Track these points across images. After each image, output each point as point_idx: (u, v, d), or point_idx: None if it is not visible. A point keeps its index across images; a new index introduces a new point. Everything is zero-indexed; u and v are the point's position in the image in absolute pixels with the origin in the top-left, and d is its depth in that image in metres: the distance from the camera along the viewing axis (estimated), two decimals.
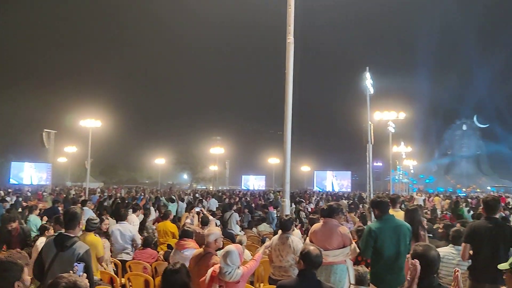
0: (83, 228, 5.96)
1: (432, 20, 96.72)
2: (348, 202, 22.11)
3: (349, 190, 67.33)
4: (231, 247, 4.42)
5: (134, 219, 9.64)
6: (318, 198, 27.38)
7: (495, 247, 4.65)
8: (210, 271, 4.32)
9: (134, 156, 71.20)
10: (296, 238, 5.79)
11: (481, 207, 5.25)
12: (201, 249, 5.08)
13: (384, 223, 5.06)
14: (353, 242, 5.45)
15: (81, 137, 32.94)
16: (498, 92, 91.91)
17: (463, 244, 4.92)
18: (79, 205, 11.50)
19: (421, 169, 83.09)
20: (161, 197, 22.70)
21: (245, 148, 73.16)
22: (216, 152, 50.87)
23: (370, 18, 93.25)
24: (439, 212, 18.74)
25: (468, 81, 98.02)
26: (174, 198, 18.32)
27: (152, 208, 13.65)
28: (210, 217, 9.09)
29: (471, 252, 4.83)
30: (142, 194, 27.91)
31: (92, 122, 26.45)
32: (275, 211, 15.29)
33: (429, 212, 17.35)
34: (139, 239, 7.78)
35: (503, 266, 3.25)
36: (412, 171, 64.19)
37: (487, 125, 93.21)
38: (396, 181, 51.97)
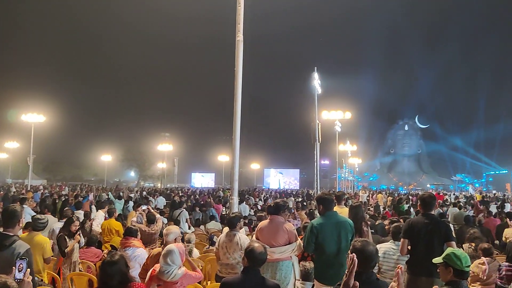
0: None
1: (378, 23, 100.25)
2: (296, 199, 22.50)
3: (297, 187, 68.54)
4: (172, 246, 4.39)
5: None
6: (267, 196, 27.62)
7: (431, 242, 4.80)
8: (150, 270, 4.28)
9: (79, 153, 68.65)
10: (243, 235, 5.82)
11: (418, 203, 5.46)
12: (160, 249, 4.99)
13: (327, 219, 5.14)
14: (299, 239, 5.55)
15: (23, 132, 31.49)
16: (438, 95, 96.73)
17: (401, 239, 5.07)
18: (18, 203, 10.97)
19: (365, 167, 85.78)
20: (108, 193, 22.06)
21: (194, 145, 72.53)
22: (165, 149, 50.13)
23: (319, 19, 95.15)
24: (381, 208, 19.47)
25: (411, 83, 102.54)
26: (121, 195, 17.89)
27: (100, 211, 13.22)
28: (158, 216, 8.97)
29: (409, 247, 4.99)
30: (88, 192, 26.99)
31: (35, 117, 25.31)
32: (224, 209, 15.31)
33: (372, 209, 18.01)
34: (82, 238, 7.55)
35: (437, 260, 3.43)
36: (357, 169, 66.09)
37: (427, 126, 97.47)
38: (342, 178, 53.32)
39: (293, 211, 13.51)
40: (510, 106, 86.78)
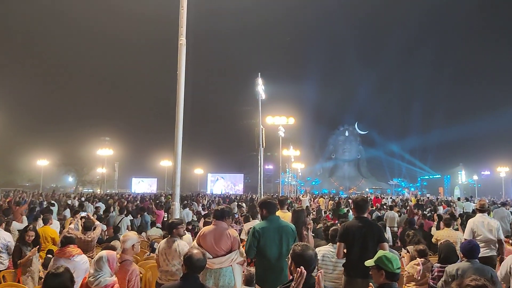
0: None
1: (321, 31, 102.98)
2: (240, 205, 22.51)
3: (241, 192, 68.66)
4: (102, 252, 4.24)
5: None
6: (210, 201, 27.43)
7: (365, 244, 4.94)
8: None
9: (12, 156, 64.61)
10: (182, 242, 5.70)
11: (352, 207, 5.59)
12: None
13: (269, 224, 5.18)
14: (241, 246, 5.53)
15: None
16: (376, 103, 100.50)
17: (337, 243, 5.18)
18: None
19: (308, 172, 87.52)
20: (44, 201, 21.04)
21: (136, 150, 70.56)
22: (105, 153, 48.56)
23: (263, 25, 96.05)
24: (323, 212, 19.88)
25: (351, 91, 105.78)
26: (53, 202, 17.10)
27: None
28: (97, 222, 8.64)
29: (345, 250, 5.10)
30: (24, 197, 25.51)
31: None
32: (165, 215, 15.02)
33: (314, 213, 18.35)
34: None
35: (369, 262, 3.51)
36: (300, 174, 67.23)
37: (366, 132, 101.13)
38: (285, 183, 54.03)
39: (236, 216, 13.53)
40: (443, 115, 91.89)
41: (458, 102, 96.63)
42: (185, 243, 5.66)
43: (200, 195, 35.87)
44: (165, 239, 5.76)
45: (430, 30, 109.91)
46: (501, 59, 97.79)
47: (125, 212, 12.89)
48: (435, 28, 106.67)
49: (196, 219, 14.34)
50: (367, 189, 79.44)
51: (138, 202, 24.83)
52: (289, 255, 3.40)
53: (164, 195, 34.90)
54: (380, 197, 34.56)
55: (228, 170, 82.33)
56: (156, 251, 5.76)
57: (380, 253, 3.50)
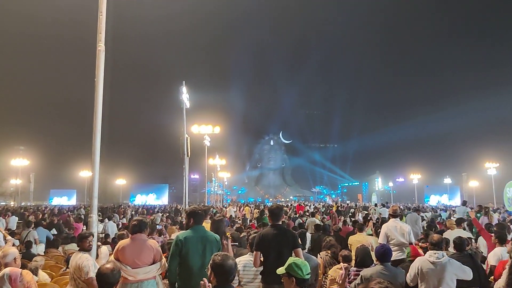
0: None
1: (247, 42, 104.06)
2: (165, 215, 22.09)
3: (166, 203, 67.31)
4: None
5: None
6: (133, 213, 26.61)
7: (281, 251, 5.04)
8: None
9: None
10: (85, 255, 5.41)
11: (268, 215, 5.66)
12: None
13: (193, 233, 5.14)
14: (163, 257, 5.41)
15: None
16: (299, 112, 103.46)
17: (254, 252, 5.24)
18: None
19: (234, 181, 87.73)
20: None
21: (53, 159, 66.52)
22: (19, 164, 45.36)
23: (187, 32, 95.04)
24: (248, 221, 20.03)
25: (275, 100, 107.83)
26: None
27: None
28: (8, 237, 8.01)
29: (262, 258, 5.15)
30: None
31: None
32: (84, 228, 14.31)
33: (240, 222, 18.42)
34: None
35: (280, 270, 3.54)
36: (226, 183, 67.29)
37: (290, 141, 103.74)
38: (211, 192, 53.81)
39: (160, 227, 13.23)
40: (361, 125, 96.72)
41: (374, 113, 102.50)
42: (86, 257, 5.37)
43: (122, 207, 34.69)
44: (74, 253, 5.49)
45: (349, 43, 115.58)
46: (412, 74, 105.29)
47: (32, 226, 12.09)
48: (353, 41, 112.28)
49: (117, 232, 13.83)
50: (291, 197, 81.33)
51: (55, 215, 23.46)
52: (209, 265, 3.37)
53: (84, 207, 33.34)
54: (303, 205, 35.48)
55: (153, 180, 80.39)
56: (69, 265, 5.47)
57: (290, 260, 3.53)
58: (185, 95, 19.10)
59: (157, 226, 13.91)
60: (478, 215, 12.58)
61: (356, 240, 8.38)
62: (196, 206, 5.95)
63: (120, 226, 16.35)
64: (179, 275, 5.05)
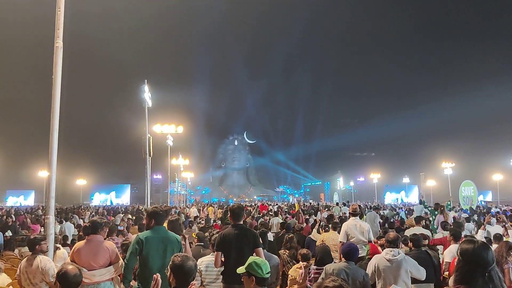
0: None
1: (210, 41, 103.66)
2: (126, 215, 21.68)
3: (128, 203, 66.15)
4: None
5: None
6: (93, 213, 25.99)
7: (241, 250, 5.05)
8: None
9: None
10: (45, 257, 5.29)
11: (229, 215, 5.67)
12: None
13: (154, 233, 5.09)
14: (120, 258, 5.33)
15: None
16: (263, 112, 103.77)
17: (215, 252, 5.24)
18: None
19: (198, 181, 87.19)
20: None
21: (10, 159, 64.07)
22: None
23: (150, 30, 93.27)
24: (212, 221, 19.95)
25: (240, 101, 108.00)
26: None
27: None
28: None
29: (223, 258, 5.16)
30: None
31: None
32: (42, 229, 13.89)
33: (203, 222, 18.33)
34: None
35: (240, 270, 3.54)
36: (189, 183, 66.76)
37: (254, 141, 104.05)
38: (175, 193, 53.26)
39: (122, 228, 12.99)
40: (323, 126, 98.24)
41: (336, 114, 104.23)
42: (48, 259, 5.25)
43: (82, 207, 33.84)
44: (26, 257, 5.32)
45: (312, 43, 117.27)
46: (372, 77, 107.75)
47: None
48: (316, 41, 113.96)
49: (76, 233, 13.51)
50: (255, 197, 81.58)
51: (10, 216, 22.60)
52: (168, 266, 3.34)
53: (41, 208, 32.32)
54: (266, 204, 35.67)
55: (114, 180, 78.70)
56: (18, 271, 5.28)
57: (250, 259, 3.54)
58: (147, 93, 18.87)
59: (119, 227, 13.67)
60: (436, 212, 13.01)
61: (330, 238, 8.53)
62: (157, 206, 5.88)
63: (77, 227, 15.97)
64: (139, 275, 5.00)
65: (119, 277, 5.24)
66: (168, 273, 3.30)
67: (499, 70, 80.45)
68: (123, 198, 73.54)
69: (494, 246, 6.44)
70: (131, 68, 79.25)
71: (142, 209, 26.95)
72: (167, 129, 27.99)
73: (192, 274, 3.28)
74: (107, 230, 5.71)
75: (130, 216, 21.27)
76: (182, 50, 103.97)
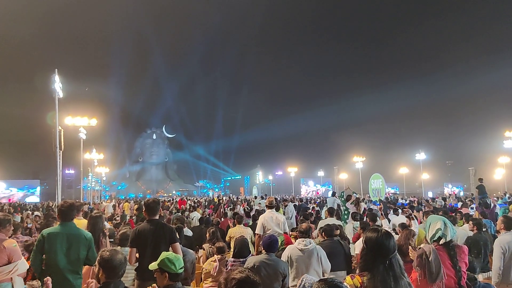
0: None
1: (126, 31, 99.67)
2: (34, 212, 20.42)
3: (37, 200, 62.35)
4: None
5: None
6: None
7: (157, 246, 4.96)
8: None
9: None
10: None
11: (143, 210, 5.55)
12: None
13: (59, 229, 4.91)
14: (22, 257, 5.01)
15: None
16: (182, 107, 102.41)
17: (129, 249, 5.10)
18: None
19: (113, 176, 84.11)
20: None
21: None
22: None
23: (60, 16, 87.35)
24: (128, 217, 19.39)
25: (158, 93, 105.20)
26: None
27: None
28: None
29: (137, 255, 5.05)
30: None
31: None
32: None
33: (118, 218, 17.76)
34: None
35: (152, 266, 3.50)
36: (104, 178, 64.25)
37: (173, 135, 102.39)
38: (88, 188, 51.09)
39: (31, 225, 12.40)
40: (242, 120, 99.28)
41: (255, 109, 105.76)
42: None
43: None
44: None
45: (230, 37, 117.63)
46: (290, 73, 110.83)
47: None
48: (235, 36, 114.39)
49: None
50: (174, 192, 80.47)
51: None
52: (97, 262, 3.27)
53: None
54: (185, 199, 35.38)
55: (22, 175, 73.52)
56: None
57: (163, 255, 3.50)
58: (57, 84, 17.81)
59: (28, 224, 12.98)
60: (351, 203, 13.66)
61: (237, 232, 8.63)
62: (66, 201, 5.59)
63: None
64: (44, 272, 4.75)
65: (21, 278, 4.91)
66: (96, 268, 3.22)
67: (404, 73, 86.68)
68: (33, 194, 69.02)
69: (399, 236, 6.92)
70: (39, 56, 74.32)
71: (52, 205, 25.47)
72: (79, 122, 26.80)
73: (122, 267, 3.30)
74: (11, 228, 5.37)
75: (38, 213, 20.05)
76: (96, 39, 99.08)
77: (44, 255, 4.77)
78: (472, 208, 16.29)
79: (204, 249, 7.52)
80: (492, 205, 14.89)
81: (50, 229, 4.93)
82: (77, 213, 6.95)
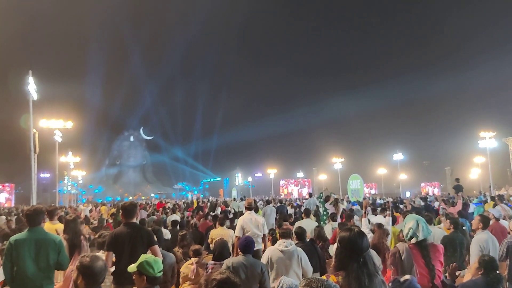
0: None
1: (103, 33, 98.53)
2: (9, 218, 19.92)
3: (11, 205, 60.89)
4: None
5: None
6: None
7: (134, 249, 4.92)
8: None
9: None
10: None
11: (121, 213, 5.51)
12: None
13: (27, 235, 4.78)
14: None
15: None
16: (161, 109, 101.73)
17: (106, 252, 5.03)
18: None
19: (90, 179, 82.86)
20: None
21: None
22: None
23: (37, 16, 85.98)
24: (105, 220, 19.13)
25: (136, 95, 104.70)
26: None
27: None
28: None
29: (114, 259, 5.00)
30: None
31: None
32: None
33: (95, 222, 17.51)
34: None
35: (131, 268, 3.47)
36: (81, 182, 63.23)
37: (151, 137, 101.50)
38: (64, 192, 50.22)
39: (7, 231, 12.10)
40: (220, 123, 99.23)
41: (234, 111, 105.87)
42: None
43: None
44: None
45: (210, 40, 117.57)
46: (271, 73, 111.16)
47: None
48: (214, 39, 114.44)
49: None
50: (152, 194, 79.73)
51: None
52: (76, 268, 3.18)
53: None
54: (164, 202, 35.08)
55: None
56: None
57: (141, 258, 3.47)
58: (32, 85, 17.50)
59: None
60: (330, 204, 13.77)
61: (219, 234, 8.60)
62: (34, 206, 5.48)
63: None
64: (14, 280, 4.66)
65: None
66: (76, 275, 3.14)
67: (381, 74, 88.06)
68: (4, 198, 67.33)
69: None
70: (13, 57, 72.69)
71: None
72: (54, 124, 26.30)
73: (102, 274, 3.19)
74: None
75: (10, 218, 19.62)
76: (72, 39, 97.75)
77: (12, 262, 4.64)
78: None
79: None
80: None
81: (17, 236, 4.79)
82: (52, 218, 6.87)
